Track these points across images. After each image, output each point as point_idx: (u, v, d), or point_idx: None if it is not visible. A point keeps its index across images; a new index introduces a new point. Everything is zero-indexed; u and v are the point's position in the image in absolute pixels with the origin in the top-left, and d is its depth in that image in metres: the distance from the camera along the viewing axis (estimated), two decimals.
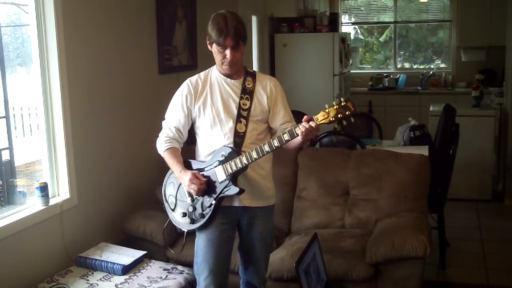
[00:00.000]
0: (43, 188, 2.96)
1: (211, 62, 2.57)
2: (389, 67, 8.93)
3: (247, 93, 2.52)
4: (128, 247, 3.22)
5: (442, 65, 8.69)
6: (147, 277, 2.94)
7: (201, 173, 2.49)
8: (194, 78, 2.59)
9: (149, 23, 4.02)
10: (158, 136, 2.62)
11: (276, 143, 2.34)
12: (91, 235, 3.31)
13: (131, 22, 3.76)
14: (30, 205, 2.96)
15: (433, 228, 3.43)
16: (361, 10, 9.01)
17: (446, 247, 4.20)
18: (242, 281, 2.76)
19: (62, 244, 3.09)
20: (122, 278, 2.91)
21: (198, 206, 2.51)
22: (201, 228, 2.54)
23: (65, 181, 3.13)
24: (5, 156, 2.97)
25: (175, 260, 3.28)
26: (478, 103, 5.91)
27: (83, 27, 3.24)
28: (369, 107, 7.98)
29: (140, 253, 3.13)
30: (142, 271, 3.02)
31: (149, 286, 2.84)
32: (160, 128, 2.63)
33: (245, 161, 2.38)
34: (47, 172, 3.11)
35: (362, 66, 9.10)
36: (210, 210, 2.48)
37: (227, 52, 2.41)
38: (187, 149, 2.73)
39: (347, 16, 9.00)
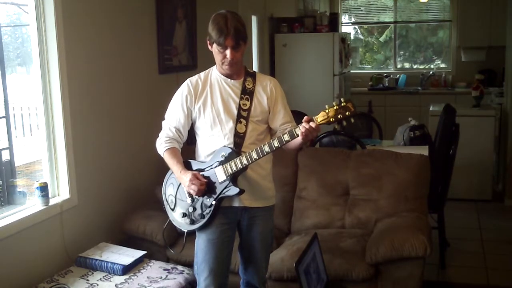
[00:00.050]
0: (43, 188, 2.96)
1: (211, 62, 2.57)
2: (389, 67, 8.93)
3: (247, 93, 2.52)
4: (128, 247, 3.23)
5: (442, 65, 8.69)
6: (147, 277, 2.94)
7: (201, 173, 2.49)
8: (194, 78, 2.59)
9: (149, 23, 4.02)
10: (158, 136, 2.62)
11: (276, 143, 2.33)
12: (91, 235, 3.31)
13: (131, 22, 3.76)
14: (30, 205, 2.96)
15: (433, 228, 3.43)
16: (361, 10, 9.01)
17: (446, 247, 4.20)
18: (242, 281, 2.76)
19: (62, 244, 3.09)
20: (122, 278, 2.91)
21: (198, 206, 2.51)
22: (201, 228, 2.54)
23: (65, 181, 3.13)
24: (5, 156, 2.97)
25: (175, 260, 3.28)
26: (478, 103, 5.90)
27: (83, 27, 3.24)
28: (369, 107, 7.97)
29: (140, 253, 3.13)
30: (142, 271, 3.02)
31: (149, 286, 2.84)
32: (160, 128, 2.63)
33: (245, 161, 2.38)
34: (47, 172, 3.11)
35: (362, 66, 9.10)
36: (210, 210, 2.48)
37: (227, 52, 2.41)
38: (187, 149, 2.73)
39: (347, 16, 9.00)
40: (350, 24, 9.04)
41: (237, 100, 2.51)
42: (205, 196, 2.49)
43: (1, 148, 2.94)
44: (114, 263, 2.98)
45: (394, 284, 2.96)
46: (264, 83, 2.57)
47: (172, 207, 2.62)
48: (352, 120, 2.25)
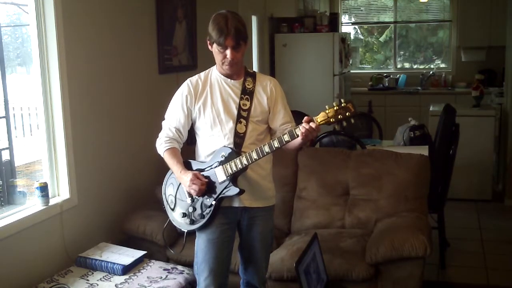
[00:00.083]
0: (43, 188, 2.96)
1: (211, 62, 2.57)
2: (389, 67, 8.93)
3: (247, 93, 2.52)
4: (128, 247, 3.23)
5: (442, 65, 8.69)
6: (147, 277, 2.94)
7: (201, 173, 2.48)
8: (194, 78, 2.59)
9: (149, 23, 4.02)
10: (158, 136, 2.62)
11: (276, 143, 2.33)
12: (91, 235, 3.31)
13: (131, 22, 3.76)
14: (30, 205, 2.96)
15: (433, 228, 3.43)
16: (361, 10, 9.01)
17: (446, 247, 4.20)
18: (242, 281, 2.76)
19: (62, 244, 3.09)
20: (122, 278, 2.91)
21: (198, 206, 2.51)
22: (201, 228, 2.54)
23: (65, 181, 3.13)
24: (5, 156, 2.97)
25: (175, 260, 3.28)
26: (478, 103, 5.90)
27: (83, 27, 3.24)
28: (369, 107, 7.97)
29: (140, 253, 3.13)
30: (142, 271, 3.02)
31: (149, 286, 2.84)
32: (160, 128, 2.63)
33: (245, 161, 2.38)
34: (47, 172, 3.11)
35: (362, 66, 9.10)
36: (210, 210, 2.48)
37: (228, 52, 2.41)
38: (187, 149, 2.73)
39: (347, 16, 9.00)
40: (350, 24, 9.04)
41: (237, 100, 2.51)
42: (205, 196, 2.49)
43: (1, 148, 2.94)
44: (114, 263, 2.98)
45: (394, 284, 2.96)
46: (264, 83, 2.57)
47: (172, 207, 2.62)
48: (352, 121, 2.25)
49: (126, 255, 3.08)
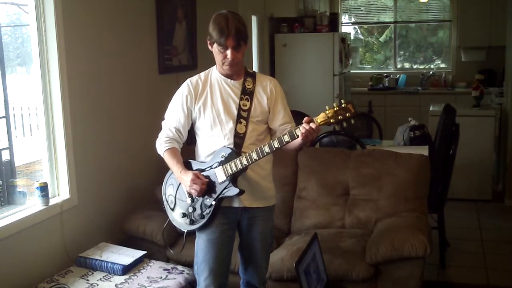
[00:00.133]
0: (43, 188, 2.96)
1: (211, 62, 2.57)
2: (389, 67, 8.93)
3: (247, 93, 2.52)
4: (128, 247, 3.23)
5: (442, 65, 8.69)
6: (147, 277, 2.94)
7: (201, 173, 2.48)
8: (194, 78, 2.59)
9: (149, 23, 4.02)
10: (158, 136, 2.62)
11: (276, 144, 2.33)
12: (91, 235, 3.31)
13: (131, 22, 3.76)
14: (30, 205, 2.96)
15: (433, 228, 3.43)
16: (361, 10, 9.01)
17: (446, 247, 4.20)
18: (242, 281, 2.76)
19: (62, 244, 3.09)
20: (122, 278, 2.91)
21: (198, 206, 2.51)
22: (201, 228, 2.54)
23: (65, 181, 3.13)
24: (5, 156, 2.97)
25: (175, 260, 3.28)
26: (478, 103, 5.90)
27: (83, 27, 3.24)
28: (369, 107, 7.97)
29: (140, 253, 3.13)
30: (142, 271, 3.02)
31: (149, 286, 2.84)
32: (160, 128, 2.63)
33: (245, 162, 2.38)
34: (47, 172, 3.11)
35: (362, 66, 9.10)
36: (210, 210, 2.48)
37: (228, 52, 2.41)
38: (187, 149, 2.73)
39: (347, 16, 9.00)
40: (350, 24, 9.04)
41: (237, 100, 2.51)
42: (205, 196, 2.49)
43: (1, 148, 2.94)
44: (114, 263, 2.98)
45: (394, 284, 2.96)
46: (264, 83, 2.57)
47: (172, 207, 2.62)
48: (353, 122, 2.25)
49: (126, 255, 3.08)
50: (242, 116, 2.50)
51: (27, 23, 3.03)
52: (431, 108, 6.00)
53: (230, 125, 2.49)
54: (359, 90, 8.23)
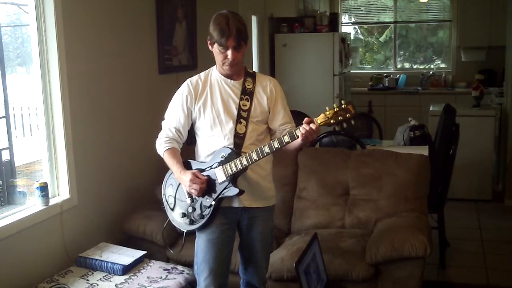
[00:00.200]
0: (43, 188, 2.96)
1: (211, 62, 2.57)
2: (389, 67, 8.93)
3: (247, 94, 2.52)
4: (128, 247, 3.23)
5: (442, 65, 8.69)
6: (147, 277, 2.94)
7: (201, 173, 2.48)
8: (194, 78, 2.59)
9: (149, 23, 4.02)
10: (158, 136, 2.62)
11: (276, 144, 2.33)
12: (91, 235, 3.31)
13: (131, 22, 3.76)
14: (30, 205, 2.96)
15: (433, 228, 3.43)
16: (361, 10, 9.01)
17: (446, 247, 4.20)
18: (242, 281, 2.76)
19: (62, 244, 3.09)
20: (122, 278, 2.91)
21: (198, 206, 2.51)
22: (201, 228, 2.54)
23: (65, 181, 3.13)
24: (5, 156, 2.97)
25: (175, 260, 3.28)
26: (478, 103, 5.90)
27: (83, 27, 3.24)
28: (369, 107, 7.97)
29: (140, 253, 3.13)
30: (142, 271, 3.02)
31: (149, 286, 2.84)
32: (160, 128, 2.63)
33: (245, 162, 2.38)
34: (47, 172, 3.11)
35: (362, 66, 9.10)
36: (209, 211, 2.48)
37: (229, 52, 2.40)
38: (187, 149, 2.73)
39: (347, 16, 9.00)
40: (350, 24, 9.04)
41: (237, 100, 2.51)
42: (205, 197, 2.48)
43: (1, 148, 2.94)
44: (114, 263, 2.98)
45: (394, 284, 2.96)
46: (264, 83, 2.57)
47: (172, 207, 2.62)
48: (353, 122, 2.25)
49: (126, 255, 3.08)
50: (242, 116, 2.49)
51: (27, 23, 3.03)
52: (431, 108, 6.00)
53: (230, 125, 2.49)
54: (359, 90, 8.24)
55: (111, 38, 3.53)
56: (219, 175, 2.44)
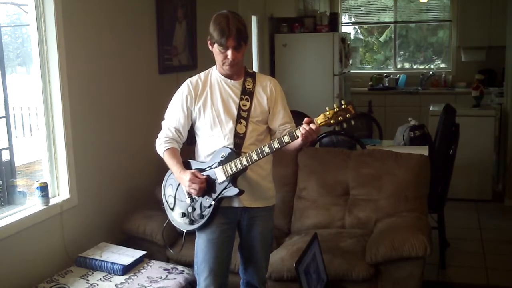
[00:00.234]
0: (43, 188, 2.96)
1: (211, 62, 2.57)
2: (389, 67, 8.93)
3: (247, 94, 2.52)
4: (128, 247, 3.23)
5: (442, 65, 8.69)
6: (147, 277, 2.94)
7: (201, 173, 2.48)
8: (194, 78, 2.59)
9: (149, 23, 4.02)
10: (158, 136, 2.62)
11: (276, 144, 2.33)
12: (91, 235, 3.31)
13: (131, 22, 3.76)
14: (30, 205, 2.96)
15: (433, 228, 3.43)
16: (361, 10, 9.01)
17: (446, 247, 4.20)
18: (242, 281, 2.76)
19: (62, 244, 3.09)
20: (122, 278, 2.91)
21: (197, 206, 2.51)
22: (200, 228, 2.54)
23: (65, 181, 3.13)
24: (5, 156, 2.97)
25: (175, 260, 3.28)
26: (478, 103, 5.91)
27: (83, 27, 3.24)
28: (369, 107, 7.97)
29: (140, 253, 3.13)
30: (142, 271, 3.02)
31: (149, 286, 2.84)
32: (160, 128, 2.63)
33: (245, 162, 2.38)
34: (47, 172, 3.11)
35: (362, 66, 9.10)
36: (209, 210, 2.48)
37: (229, 52, 2.40)
38: (187, 149, 2.73)
39: (347, 16, 9.00)
40: (350, 24, 9.04)
41: (237, 100, 2.51)
42: (205, 196, 2.49)
43: (1, 148, 2.94)
44: (114, 263, 2.98)
45: (394, 284, 2.96)
46: (264, 83, 2.57)
47: (172, 207, 2.62)
48: (353, 122, 2.25)
49: (126, 255, 3.08)
50: (242, 116, 2.50)
51: (27, 23, 3.03)
52: (431, 108, 6.00)
53: (230, 125, 2.49)
54: (359, 90, 8.23)
55: (111, 38, 3.53)
56: (219, 175, 2.44)
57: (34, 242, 2.90)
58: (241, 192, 2.44)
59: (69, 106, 3.10)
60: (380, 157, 3.59)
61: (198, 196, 2.49)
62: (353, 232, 3.36)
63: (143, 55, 3.95)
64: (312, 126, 2.25)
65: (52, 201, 3.03)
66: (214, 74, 2.56)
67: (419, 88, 8.21)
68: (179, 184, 2.56)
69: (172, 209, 2.62)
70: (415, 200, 3.41)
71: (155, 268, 3.07)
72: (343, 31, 8.48)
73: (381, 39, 9.04)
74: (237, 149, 2.46)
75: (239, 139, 2.48)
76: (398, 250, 2.88)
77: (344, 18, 8.92)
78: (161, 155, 2.58)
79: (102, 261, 3.00)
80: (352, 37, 8.58)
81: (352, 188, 3.55)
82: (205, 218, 2.49)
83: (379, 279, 2.99)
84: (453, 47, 8.33)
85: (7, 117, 2.95)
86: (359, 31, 9.17)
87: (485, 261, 4.18)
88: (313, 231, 2.91)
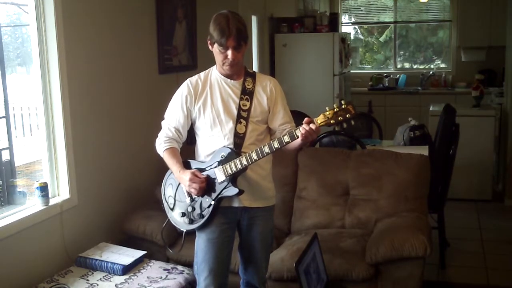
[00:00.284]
0: (43, 188, 2.96)
1: (211, 62, 2.57)
2: (389, 67, 8.93)
3: (247, 93, 2.52)
4: (128, 247, 3.23)
5: (442, 65, 8.69)
6: (147, 277, 2.94)
7: (201, 173, 2.48)
8: (194, 78, 2.59)
9: (149, 23, 4.02)
10: (157, 136, 2.62)
11: (276, 144, 2.33)
12: (91, 235, 3.31)
13: (131, 22, 3.76)
14: (30, 205, 2.96)
15: (433, 228, 3.43)
16: (361, 10, 9.01)
17: (446, 247, 4.20)
18: (242, 281, 2.76)
19: (62, 244, 3.09)
20: (122, 278, 2.91)
21: (197, 206, 2.51)
22: (200, 228, 2.54)
23: (65, 181, 3.13)
24: (5, 156, 2.97)
25: (175, 260, 3.28)
26: (478, 103, 5.91)
27: (83, 27, 3.24)
28: (369, 107, 7.97)
29: (140, 253, 3.13)
30: (142, 271, 3.02)
31: (149, 286, 2.84)
32: (160, 128, 2.63)
33: (244, 162, 2.38)
34: (47, 172, 3.11)
35: (362, 66, 9.10)
36: (209, 210, 2.48)
37: (229, 52, 2.41)
38: (187, 149, 2.73)
39: (347, 16, 9.00)
40: (350, 24, 9.04)
41: (237, 100, 2.51)
42: (205, 196, 2.49)
43: (1, 148, 2.94)
44: (114, 263, 2.98)
45: (394, 284, 2.96)
46: (264, 83, 2.57)
47: (171, 207, 2.62)
48: (353, 122, 2.25)
49: (126, 255, 3.08)
50: (242, 116, 2.50)
51: (27, 23, 3.03)
52: (431, 108, 6.00)
53: (230, 125, 2.49)
54: (359, 90, 8.24)
55: (111, 38, 3.53)
56: (219, 175, 2.44)
57: (34, 242, 2.90)
58: (240, 192, 2.44)
59: (69, 106, 3.10)
60: (380, 157, 3.59)
61: (198, 196, 2.49)
62: (353, 232, 3.36)
63: (143, 55, 3.95)
64: (312, 126, 2.25)
65: (52, 201, 3.03)
66: (214, 74, 2.56)
67: (419, 88, 8.21)
68: (179, 184, 2.56)
69: (172, 209, 2.62)
70: (415, 200, 3.41)
71: (155, 268, 3.07)
72: (343, 31, 8.48)
73: (381, 39, 9.04)
74: (237, 149, 2.46)
75: (239, 139, 2.48)
76: (398, 250, 2.88)
77: (344, 18, 8.92)
78: (161, 155, 2.58)
79: (102, 261, 3.00)
80: (352, 37, 8.58)
81: (352, 188, 3.55)
82: (205, 218, 2.49)
83: (379, 279, 2.99)
84: (453, 47, 8.33)
85: (7, 117, 2.95)
86: (359, 31, 9.17)
87: (485, 261, 4.18)
88: (313, 231, 2.91)
